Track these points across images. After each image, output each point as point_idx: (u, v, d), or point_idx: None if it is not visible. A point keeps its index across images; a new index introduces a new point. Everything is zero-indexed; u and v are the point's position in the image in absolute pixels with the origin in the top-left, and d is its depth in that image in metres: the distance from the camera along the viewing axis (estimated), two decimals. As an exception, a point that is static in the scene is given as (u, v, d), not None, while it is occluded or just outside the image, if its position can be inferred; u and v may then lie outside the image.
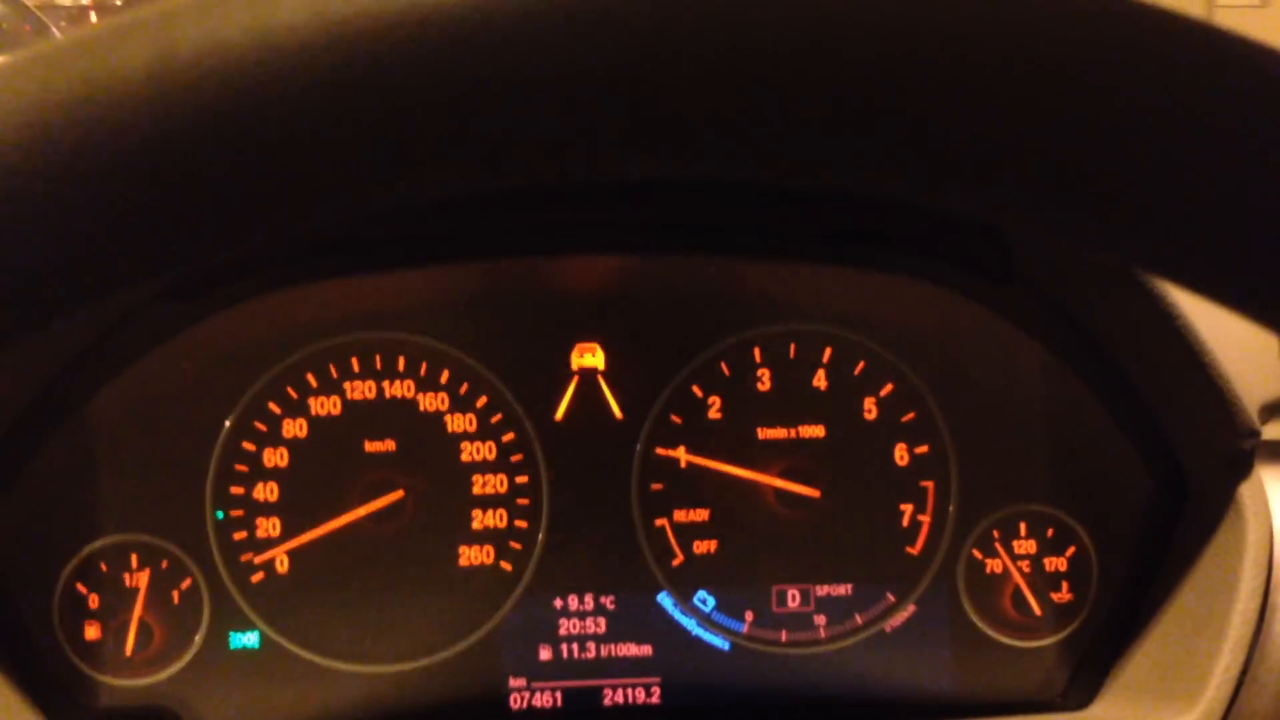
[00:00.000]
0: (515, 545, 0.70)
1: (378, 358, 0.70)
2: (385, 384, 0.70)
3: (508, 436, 0.70)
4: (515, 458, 0.70)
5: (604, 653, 0.70)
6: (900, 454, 0.71)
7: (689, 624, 0.70)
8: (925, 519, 0.70)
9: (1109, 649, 0.68)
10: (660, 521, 0.70)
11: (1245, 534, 0.63)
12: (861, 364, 0.71)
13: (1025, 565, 0.70)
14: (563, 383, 0.70)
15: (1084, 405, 0.69)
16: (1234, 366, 0.65)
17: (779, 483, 0.69)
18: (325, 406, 0.70)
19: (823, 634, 0.70)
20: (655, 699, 0.70)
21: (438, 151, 0.20)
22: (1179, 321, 0.62)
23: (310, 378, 0.70)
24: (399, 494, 0.69)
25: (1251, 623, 0.62)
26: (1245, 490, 0.64)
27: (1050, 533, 0.70)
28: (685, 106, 0.20)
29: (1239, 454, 0.64)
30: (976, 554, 0.70)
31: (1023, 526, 0.70)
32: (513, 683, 0.70)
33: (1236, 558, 0.63)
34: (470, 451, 0.70)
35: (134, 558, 0.69)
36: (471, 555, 0.70)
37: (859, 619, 0.70)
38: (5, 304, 0.20)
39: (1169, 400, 0.67)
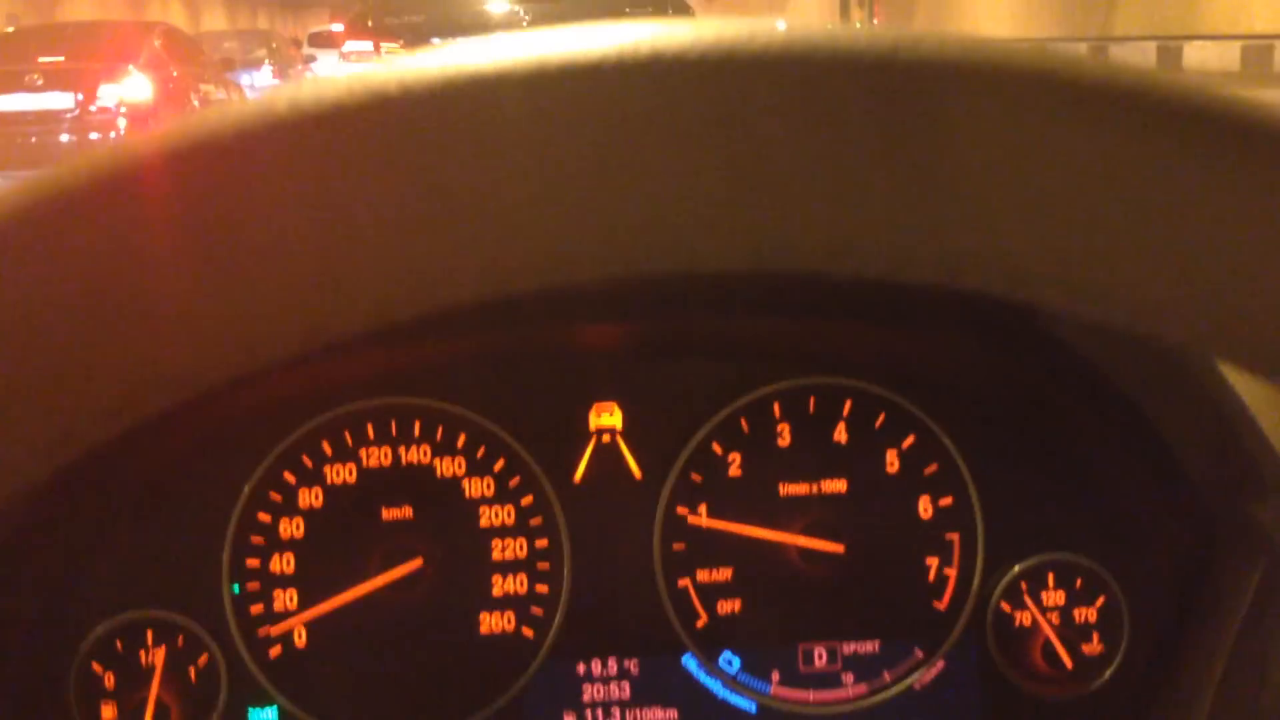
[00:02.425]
0: (536, 610, 0.75)
1: (393, 423, 0.75)
2: (401, 450, 0.75)
3: (526, 500, 0.75)
4: (534, 521, 0.75)
5: (629, 718, 0.75)
6: (924, 506, 0.76)
7: (714, 686, 0.75)
8: (951, 572, 0.76)
9: (1142, 700, 0.73)
10: (683, 582, 0.75)
11: (1277, 582, 0.68)
12: (882, 416, 0.76)
13: (1055, 616, 0.75)
14: (581, 444, 0.76)
15: (1110, 453, 0.74)
16: (1262, 411, 0.70)
17: (802, 540, 0.75)
18: (341, 474, 0.75)
19: (850, 693, 0.75)
20: None
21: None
22: (1205, 368, 0.67)
23: (325, 445, 0.75)
24: (418, 562, 0.74)
25: None
26: (1276, 537, 0.69)
27: (1079, 583, 0.76)
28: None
29: (1270, 504, 0.69)
30: (1005, 606, 0.76)
31: (1050, 577, 0.76)
32: None
33: (1269, 607, 0.68)
34: (489, 516, 0.75)
35: (150, 634, 0.74)
36: (492, 622, 0.75)
37: (887, 676, 0.76)
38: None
39: (1196, 449, 0.72)
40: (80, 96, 8.32)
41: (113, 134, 8.33)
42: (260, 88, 13.51)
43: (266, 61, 14.51)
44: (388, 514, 0.75)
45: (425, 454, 0.76)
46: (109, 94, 8.43)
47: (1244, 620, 0.71)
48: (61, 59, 8.60)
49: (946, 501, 0.76)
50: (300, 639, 0.75)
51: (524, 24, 6.23)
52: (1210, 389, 0.67)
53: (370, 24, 6.39)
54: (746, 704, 0.75)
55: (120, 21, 11.94)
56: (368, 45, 6.24)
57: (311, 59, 18.11)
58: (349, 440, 0.76)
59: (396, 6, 6.36)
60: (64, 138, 8.28)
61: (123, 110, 8.41)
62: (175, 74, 9.26)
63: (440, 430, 0.76)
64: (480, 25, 6.26)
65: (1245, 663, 0.69)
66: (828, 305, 0.75)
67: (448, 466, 0.76)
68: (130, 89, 8.55)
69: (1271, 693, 0.68)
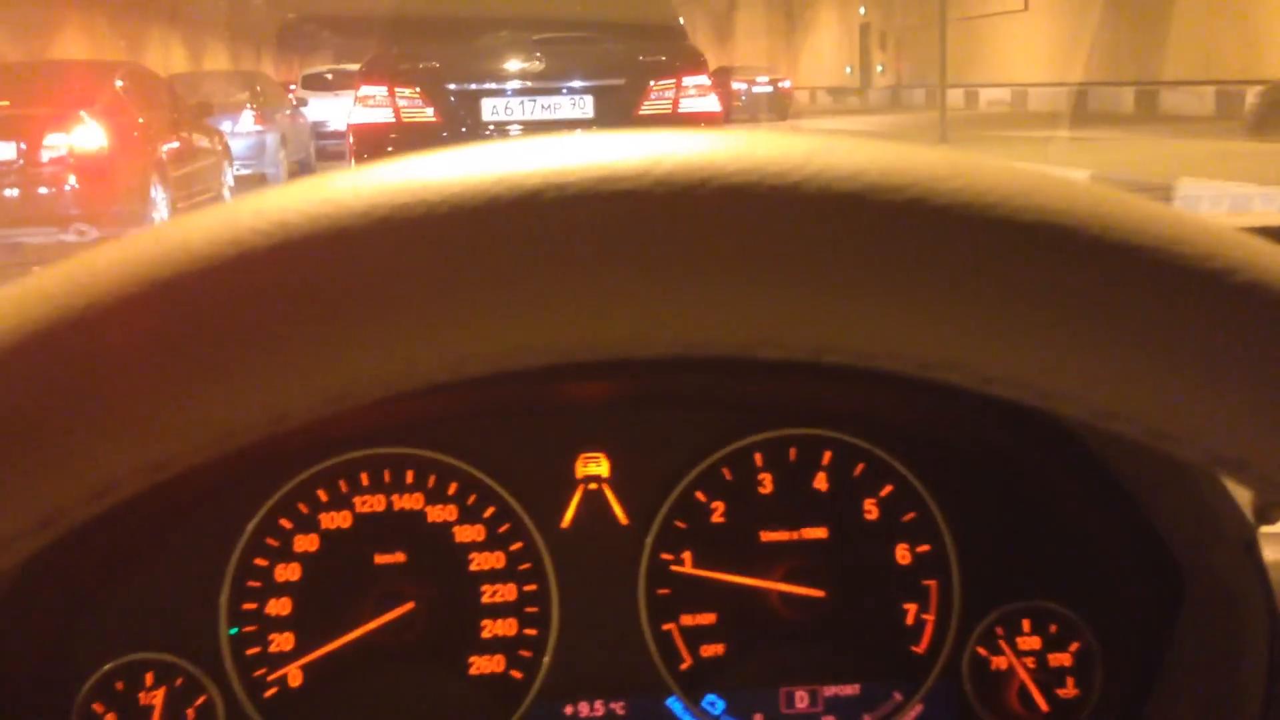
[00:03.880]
0: (525, 653, 0.84)
1: (386, 472, 0.85)
2: (394, 497, 0.85)
3: (516, 546, 0.85)
4: (524, 566, 0.85)
5: None
6: (902, 554, 0.85)
7: None
8: (929, 617, 0.85)
9: None
10: (668, 626, 0.84)
11: (1248, 628, 0.77)
12: (861, 466, 0.86)
13: (1030, 661, 0.84)
14: (568, 492, 0.85)
15: (1081, 503, 0.83)
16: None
17: (783, 586, 0.84)
18: (335, 521, 0.85)
19: None
20: None
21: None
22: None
23: (321, 493, 0.84)
24: (410, 605, 0.83)
25: (1256, 712, 0.75)
26: (1246, 583, 0.78)
27: (1054, 629, 0.84)
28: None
29: (1233, 551, 0.78)
30: (981, 651, 0.85)
31: (1026, 623, 0.85)
32: None
33: (1239, 652, 0.77)
34: (479, 561, 0.85)
35: (149, 676, 0.83)
36: (482, 664, 0.84)
37: (867, 719, 0.84)
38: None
39: (1162, 500, 0.81)
40: (24, 146, 7.86)
41: (66, 187, 7.87)
42: (242, 134, 13.65)
43: (248, 106, 14.64)
44: (381, 559, 0.85)
45: (418, 501, 0.85)
46: (57, 143, 7.92)
47: (1214, 665, 0.79)
48: (4, 103, 8.15)
49: (924, 549, 0.85)
50: (296, 680, 0.84)
51: (538, 68, 6.48)
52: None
53: (385, 70, 6.59)
54: None
55: (75, 61, 10.96)
56: (382, 90, 6.44)
57: (303, 103, 18.34)
58: (344, 488, 0.85)
59: (412, 54, 6.56)
60: (8, 192, 7.84)
61: (71, 162, 7.90)
62: (141, 120, 8.80)
63: (432, 479, 0.85)
64: (495, 73, 6.53)
65: (1215, 706, 0.78)
66: (807, 362, 0.85)
67: (439, 513, 0.85)
68: (82, 137, 8.02)
69: None
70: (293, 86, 20.34)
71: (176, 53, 23.77)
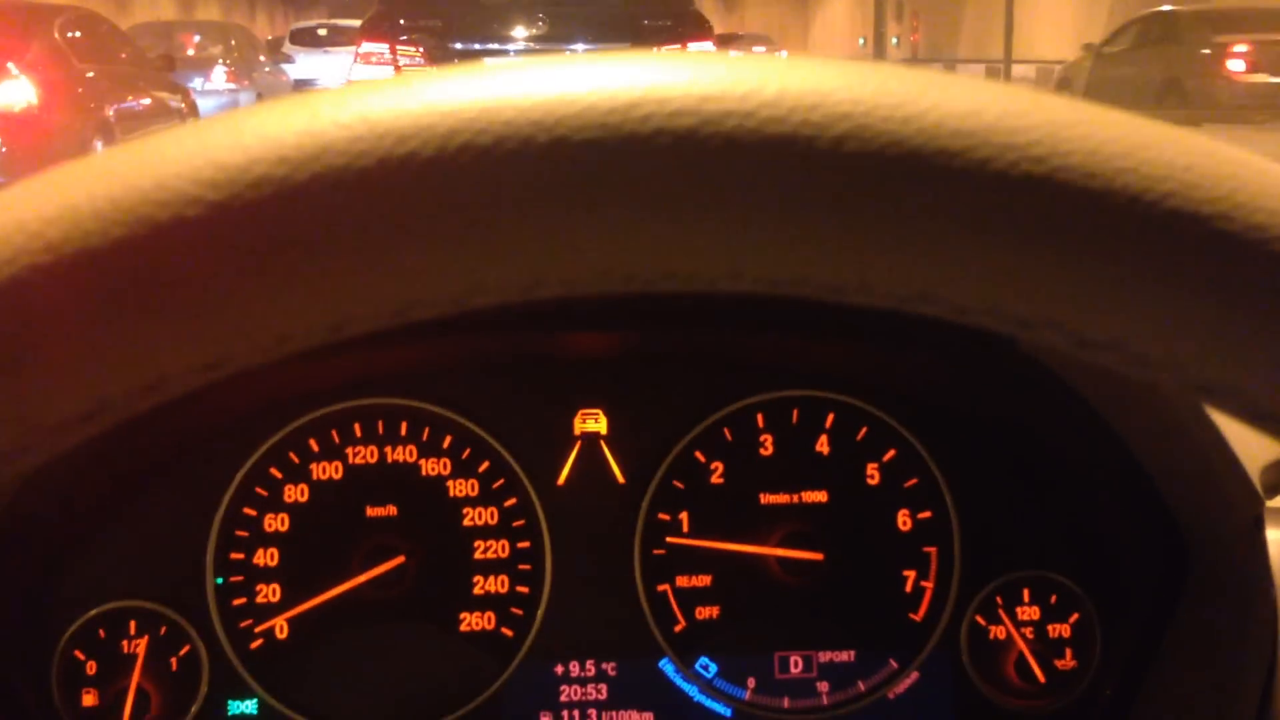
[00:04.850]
0: (516, 611, 0.88)
1: (380, 423, 0.88)
2: (387, 449, 0.88)
3: (510, 502, 0.88)
4: (517, 523, 0.88)
5: (605, 719, 0.87)
6: (903, 520, 0.89)
7: (691, 690, 0.87)
8: (928, 585, 0.88)
9: (1114, 717, 0.86)
10: (662, 587, 0.88)
11: (1250, 603, 0.80)
12: (864, 430, 0.89)
13: (1029, 631, 0.88)
14: (565, 448, 0.88)
15: (1086, 473, 0.87)
16: (1237, 431, 0.83)
17: (781, 549, 0.87)
18: (327, 471, 0.88)
19: (825, 701, 0.88)
20: None
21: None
22: (1184, 399, 0.80)
23: (312, 443, 0.88)
24: (400, 559, 0.87)
25: (1255, 694, 0.79)
26: (1250, 558, 0.81)
27: (1054, 599, 0.88)
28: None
29: (1243, 522, 0.82)
30: (980, 620, 0.88)
31: (1026, 593, 0.88)
32: None
33: (1241, 627, 0.80)
34: (472, 517, 0.88)
35: (133, 624, 0.86)
36: (473, 621, 0.87)
37: (862, 686, 0.88)
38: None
39: (1170, 470, 0.84)
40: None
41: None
42: (213, 92, 13.55)
43: (221, 61, 14.48)
44: (372, 511, 0.88)
45: (411, 454, 0.89)
46: (-22, 98, 7.13)
47: (1215, 639, 0.83)
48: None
49: (925, 515, 0.89)
50: (282, 632, 0.87)
51: (542, 31, 6.68)
52: (1186, 418, 0.80)
53: (387, 28, 6.75)
54: (722, 709, 0.88)
55: (6, 2, 9.85)
56: (383, 48, 6.60)
57: (285, 58, 18.15)
58: (336, 438, 0.88)
59: (414, 11, 6.75)
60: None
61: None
62: (89, 75, 8.16)
63: (426, 431, 0.89)
64: (498, 34, 6.73)
65: (1216, 681, 0.82)
66: (813, 321, 0.89)
67: (433, 467, 0.89)
68: (8, 93, 7.39)
69: (1243, 710, 0.80)
70: (277, 42, 20.11)
71: (165, 3, 23.63)
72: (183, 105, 10.53)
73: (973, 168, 0.31)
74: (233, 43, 15.01)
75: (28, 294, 0.30)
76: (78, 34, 8.49)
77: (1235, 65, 12.90)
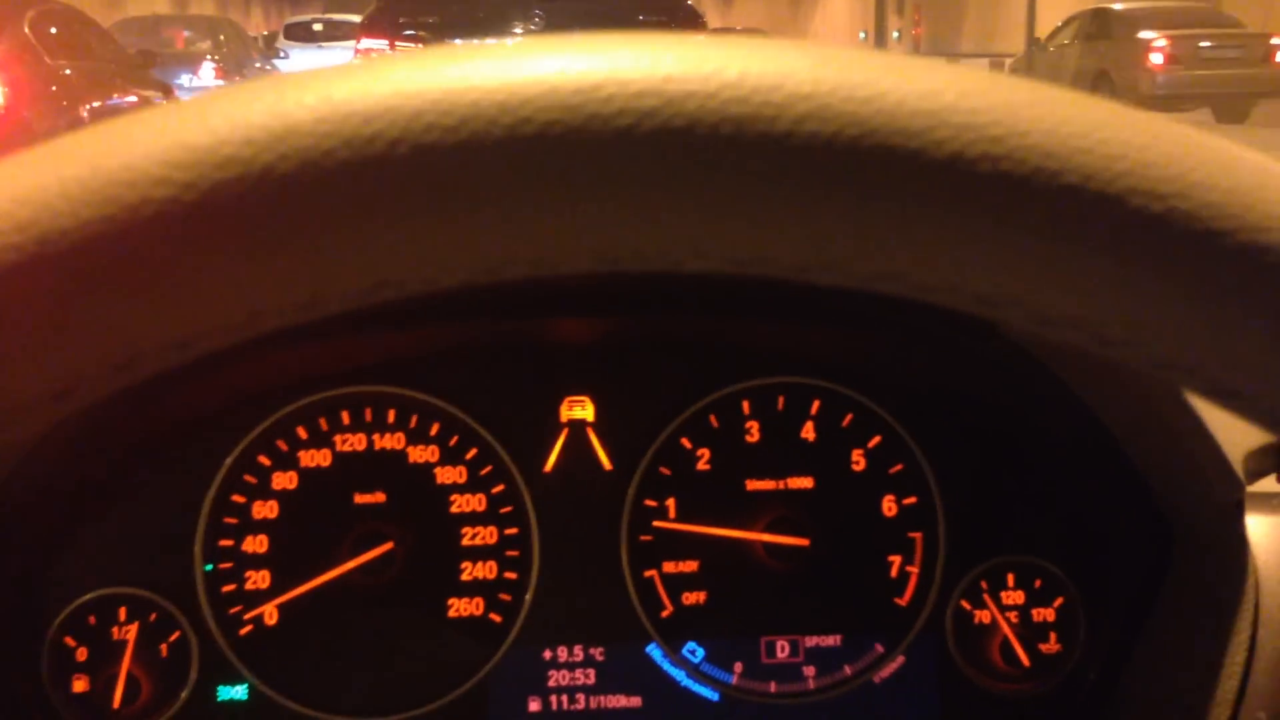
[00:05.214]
0: (504, 597, 0.90)
1: (368, 411, 0.90)
2: (375, 436, 0.90)
3: (497, 488, 0.90)
4: (505, 509, 0.90)
5: (593, 704, 0.90)
6: (888, 505, 0.91)
7: (678, 675, 0.90)
8: (914, 570, 0.91)
9: (1097, 700, 0.88)
10: (649, 573, 0.90)
11: (1231, 587, 0.83)
12: (850, 416, 0.92)
13: (1013, 616, 0.90)
14: (552, 435, 0.91)
15: (1069, 458, 0.89)
16: (1220, 417, 0.85)
17: (767, 535, 0.90)
18: (315, 459, 0.90)
19: (811, 685, 0.90)
20: None
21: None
22: (1164, 386, 0.82)
23: (300, 430, 0.90)
24: (388, 546, 0.89)
25: (1236, 677, 0.81)
26: (1231, 543, 0.84)
27: (1038, 584, 0.91)
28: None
29: (1224, 507, 0.84)
30: (965, 605, 0.91)
31: (1010, 578, 0.91)
32: None
33: (1223, 611, 0.83)
34: (460, 503, 0.90)
35: (123, 610, 0.88)
36: (461, 607, 0.90)
37: (848, 670, 0.90)
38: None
39: (1152, 455, 0.87)
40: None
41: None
42: (201, 89, 13.54)
43: (209, 57, 14.44)
44: (360, 498, 0.90)
45: (399, 441, 0.91)
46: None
47: (1198, 622, 0.86)
48: None
49: (910, 501, 0.91)
50: (271, 619, 0.89)
51: (538, 26, 7.01)
52: (1168, 403, 0.82)
53: (387, 24, 7.04)
54: (709, 693, 0.90)
55: None
56: (383, 44, 6.86)
57: (276, 54, 18.08)
58: (324, 426, 0.90)
59: (413, 8, 7.02)
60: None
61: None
62: (66, 72, 7.85)
63: (414, 418, 0.91)
64: (496, 30, 6.97)
65: (1199, 663, 0.84)
66: (800, 308, 0.91)
67: (420, 454, 0.91)
68: None
69: (1225, 692, 0.83)
70: (270, 37, 20.02)
71: None
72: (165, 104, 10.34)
73: (931, 148, 0.33)
74: (222, 38, 14.96)
75: None
76: (51, 29, 8.14)
77: (1155, 59, 14.77)
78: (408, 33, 6.97)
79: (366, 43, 7.02)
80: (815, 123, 0.32)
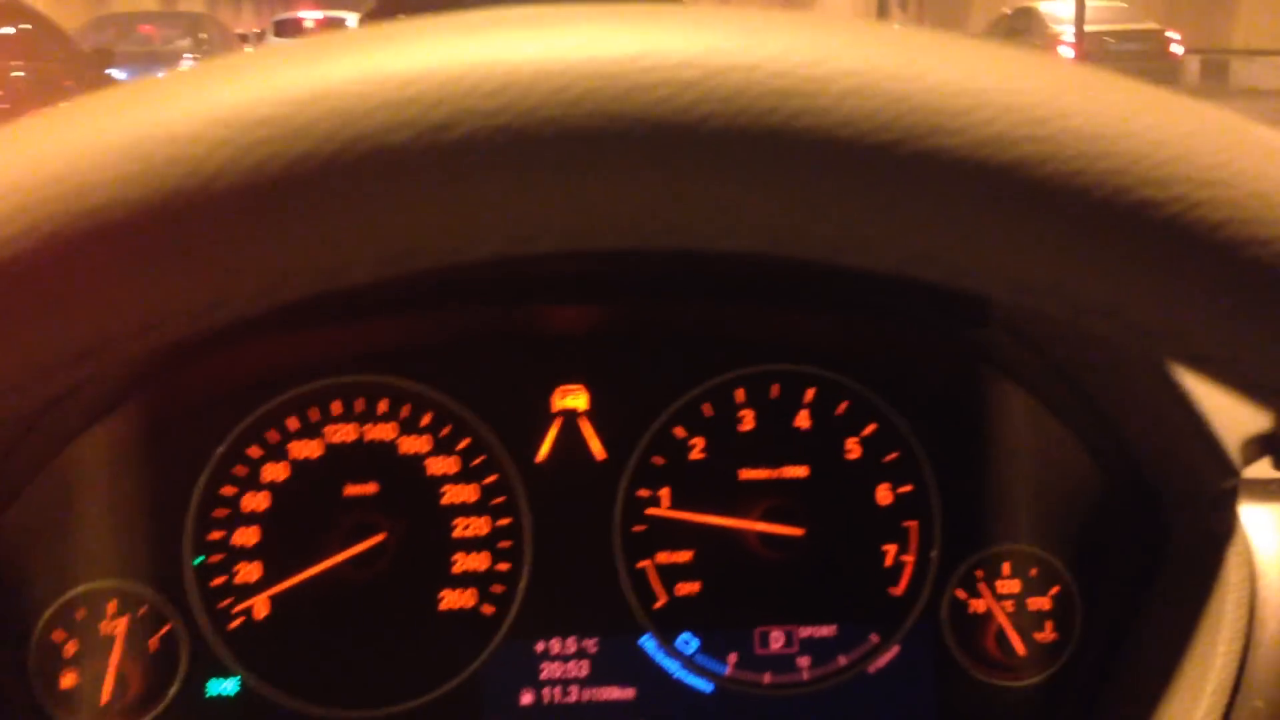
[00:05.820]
0: (497, 588, 0.92)
1: (359, 401, 0.93)
2: (366, 427, 0.93)
3: (490, 479, 0.93)
4: (497, 500, 0.93)
5: (586, 696, 0.92)
6: (883, 494, 0.93)
7: (672, 666, 0.92)
8: (909, 559, 0.93)
9: (1093, 689, 0.90)
10: (643, 563, 0.93)
11: (1227, 575, 0.85)
12: (844, 404, 0.94)
13: (1009, 605, 0.93)
14: (545, 425, 0.93)
15: (1064, 446, 0.92)
16: (1214, 403, 0.88)
17: (761, 525, 0.92)
18: (306, 450, 0.92)
19: (806, 675, 0.92)
20: None
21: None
22: (1155, 363, 0.85)
23: (291, 421, 0.92)
24: (380, 538, 0.91)
25: (1233, 665, 0.84)
26: (1226, 530, 0.86)
27: (1034, 572, 0.93)
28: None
29: (1219, 495, 0.87)
30: (960, 594, 0.93)
31: (1006, 566, 0.93)
32: None
33: (1218, 599, 0.85)
34: (452, 494, 0.93)
35: (112, 604, 0.90)
36: (453, 599, 0.92)
37: (843, 660, 0.93)
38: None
39: (1148, 441, 0.89)
40: None
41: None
42: None
43: (186, 55, 14.39)
44: (351, 490, 0.92)
45: (390, 432, 0.93)
46: None
47: (1194, 609, 0.88)
48: None
49: (905, 490, 0.94)
50: (262, 612, 0.91)
51: None
52: (1161, 390, 0.85)
53: (385, 18, 7.31)
54: (704, 684, 0.92)
55: None
56: None
57: None
58: (314, 416, 0.92)
59: (412, 5, 7.35)
60: None
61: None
62: (15, 74, 7.81)
63: (405, 408, 0.93)
64: None
65: (1196, 653, 0.87)
66: (794, 295, 0.94)
67: (412, 444, 0.93)
68: None
69: (1222, 678, 0.85)
70: (251, 36, 19.98)
71: None
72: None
73: (974, 128, 0.34)
74: (202, 35, 14.91)
75: None
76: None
77: (1065, 53, 16.50)
78: None
79: None
80: (855, 104, 0.33)
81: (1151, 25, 18.17)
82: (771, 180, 0.34)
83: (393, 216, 0.34)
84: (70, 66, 9.11)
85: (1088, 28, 16.98)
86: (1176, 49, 17.58)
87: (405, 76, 0.33)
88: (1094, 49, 16.90)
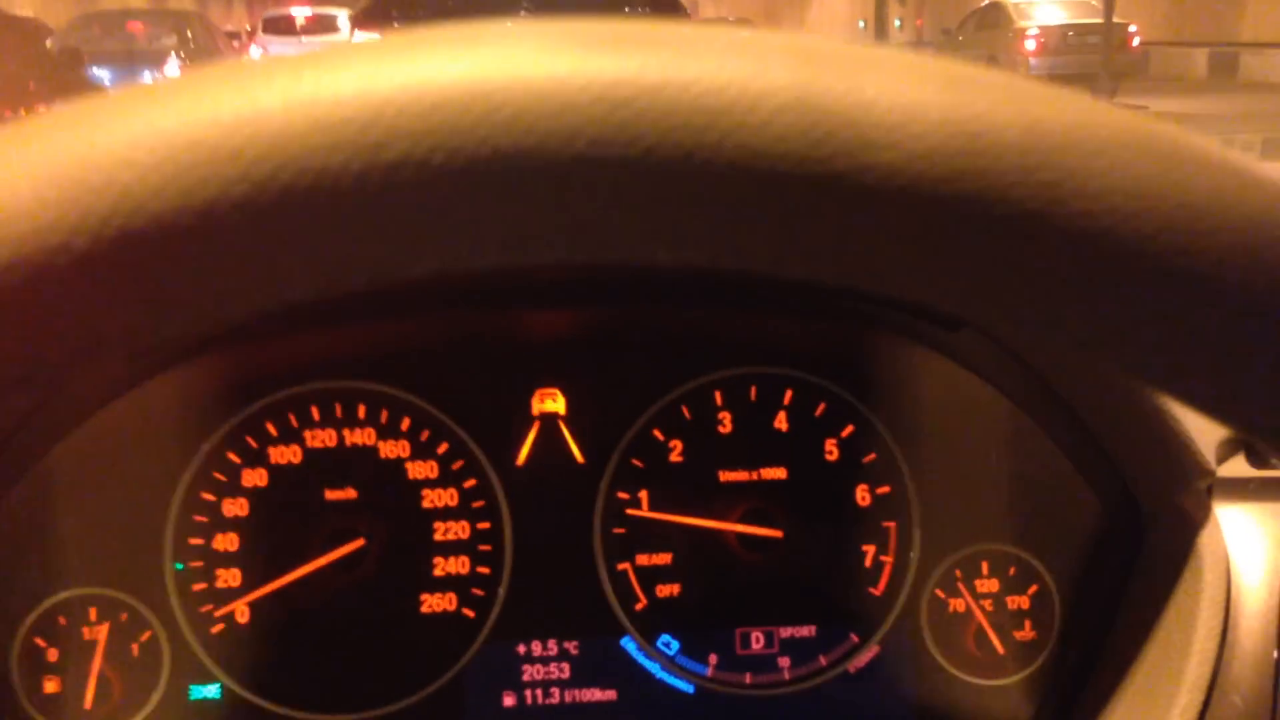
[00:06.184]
0: (478, 592, 0.94)
1: (338, 406, 0.95)
2: (345, 432, 0.95)
3: (469, 483, 0.95)
4: (477, 504, 0.95)
5: (568, 698, 0.94)
6: (862, 495, 0.96)
7: (653, 668, 0.94)
8: (888, 559, 0.95)
9: (1072, 687, 0.93)
10: (623, 565, 0.95)
11: (1201, 574, 0.87)
12: (822, 406, 0.96)
13: (988, 604, 0.95)
14: (524, 428, 0.95)
15: (1039, 446, 0.94)
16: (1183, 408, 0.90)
17: (741, 526, 0.95)
18: (285, 455, 0.95)
19: (787, 676, 0.94)
20: None
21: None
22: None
23: (270, 427, 0.94)
24: (360, 542, 0.94)
25: (1209, 662, 0.86)
26: (1201, 529, 0.88)
27: (1012, 571, 0.95)
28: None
29: (1193, 494, 0.89)
30: (939, 593, 0.95)
31: (984, 566, 0.95)
32: None
33: (1193, 598, 0.87)
34: (432, 498, 0.95)
35: (93, 611, 0.92)
36: (434, 602, 0.94)
37: (823, 660, 0.95)
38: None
39: (1122, 442, 0.91)
40: None
41: None
42: None
43: (173, 54, 14.35)
44: (331, 495, 0.94)
45: (369, 436, 0.95)
46: None
47: (1171, 609, 0.90)
48: None
49: (884, 490, 0.96)
50: (243, 617, 0.94)
51: (529, 16, 7.45)
52: (1135, 390, 0.87)
53: (380, 14, 7.70)
54: (685, 685, 0.94)
55: None
56: (375, 37, 7.46)
57: (253, 50, 17.94)
58: (294, 422, 0.95)
59: (406, 2, 7.61)
60: None
61: None
62: None
63: (384, 413, 0.95)
64: (486, 17, 7.54)
65: (1173, 651, 0.89)
66: (769, 297, 0.96)
67: (391, 449, 0.95)
68: None
69: (1199, 676, 0.87)
70: (240, 34, 19.87)
71: None
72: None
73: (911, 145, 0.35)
74: (189, 34, 14.87)
75: None
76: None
77: (1029, 45, 18.65)
78: (400, 23, 7.54)
79: (360, 35, 7.62)
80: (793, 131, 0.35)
81: (1114, 22, 19.27)
82: (709, 197, 0.35)
83: (329, 238, 0.35)
84: (36, 68, 9.04)
85: (1050, 22, 18.82)
86: (1136, 41, 18.75)
87: (340, 99, 0.34)
88: (1056, 42, 18.57)
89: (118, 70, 12.85)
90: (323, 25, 19.54)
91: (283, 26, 20.11)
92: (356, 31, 7.82)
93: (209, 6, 29.47)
